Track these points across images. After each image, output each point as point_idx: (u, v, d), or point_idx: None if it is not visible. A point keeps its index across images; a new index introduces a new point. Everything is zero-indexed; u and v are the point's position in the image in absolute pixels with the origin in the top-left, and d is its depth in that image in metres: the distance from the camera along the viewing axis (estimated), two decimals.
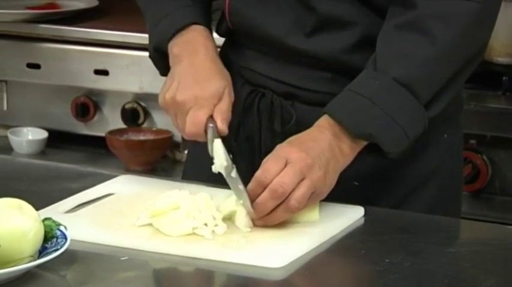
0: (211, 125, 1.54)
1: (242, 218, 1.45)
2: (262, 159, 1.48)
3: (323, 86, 1.63)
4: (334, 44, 1.61)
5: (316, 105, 1.59)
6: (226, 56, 1.74)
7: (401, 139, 1.51)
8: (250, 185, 1.46)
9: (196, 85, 1.58)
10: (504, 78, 2.31)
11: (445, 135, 1.68)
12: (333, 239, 1.44)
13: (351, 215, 1.52)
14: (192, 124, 1.55)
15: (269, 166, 1.45)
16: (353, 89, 1.52)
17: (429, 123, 1.53)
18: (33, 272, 1.30)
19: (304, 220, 1.47)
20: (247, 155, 1.67)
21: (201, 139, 1.55)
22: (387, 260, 1.36)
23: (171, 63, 1.65)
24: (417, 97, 1.51)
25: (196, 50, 1.63)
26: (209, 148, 1.52)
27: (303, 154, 1.45)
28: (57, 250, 1.31)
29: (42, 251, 1.32)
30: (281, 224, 1.46)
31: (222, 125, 1.55)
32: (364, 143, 1.53)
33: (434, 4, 1.52)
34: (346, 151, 1.51)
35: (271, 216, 1.45)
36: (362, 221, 1.51)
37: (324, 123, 1.52)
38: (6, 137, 2.62)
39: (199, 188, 1.54)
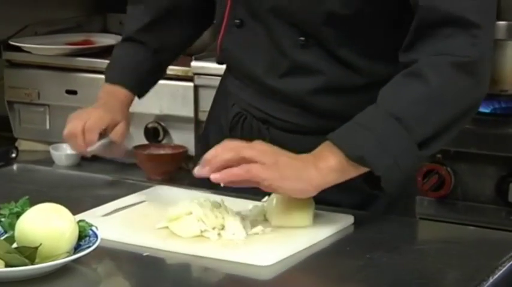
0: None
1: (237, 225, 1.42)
2: None
3: (292, 118, 1.62)
4: (301, 86, 1.59)
5: (287, 132, 1.61)
6: (223, 81, 1.77)
7: (392, 167, 1.39)
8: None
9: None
10: None
11: None
12: (321, 242, 1.40)
13: (341, 222, 1.48)
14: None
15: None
16: (353, 120, 1.44)
17: None
18: (69, 266, 1.29)
19: (297, 225, 1.44)
20: None
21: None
22: (368, 256, 1.34)
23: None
24: (409, 132, 1.40)
25: (105, 102, 1.78)
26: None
27: (266, 148, 1.43)
28: (89, 247, 1.30)
29: (77, 248, 1.31)
30: (276, 229, 1.44)
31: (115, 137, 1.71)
32: (356, 168, 1.41)
33: (431, 56, 1.45)
34: (321, 166, 1.41)
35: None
36: (352, 228, 1.48)
37: (320, 148, 1.44)
38: (48, 151, 2.62)
39: (213, 196, 1.52)
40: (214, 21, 1.71)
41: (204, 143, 1.77)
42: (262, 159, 1.39)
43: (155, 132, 2.65)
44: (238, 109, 1.69)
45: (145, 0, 1.81)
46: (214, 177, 1.39)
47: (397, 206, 1.64)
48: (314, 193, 1.42)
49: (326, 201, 1.49)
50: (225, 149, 1.42)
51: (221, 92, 1.79)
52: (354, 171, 1.41)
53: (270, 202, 1.47)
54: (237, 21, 1.63)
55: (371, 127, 1.40)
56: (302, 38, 1.58)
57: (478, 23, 1.43)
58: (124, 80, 1.79)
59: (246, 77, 1.66)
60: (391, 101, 1.43)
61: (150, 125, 2.66)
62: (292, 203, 1.45)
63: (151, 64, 1.81)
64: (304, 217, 1.45)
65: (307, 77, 1.59)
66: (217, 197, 1.50)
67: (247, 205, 1.50)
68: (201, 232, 1.41)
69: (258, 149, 1.42)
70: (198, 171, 1.43)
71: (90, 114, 1.72)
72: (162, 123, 2.65)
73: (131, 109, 2.61)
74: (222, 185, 1.40)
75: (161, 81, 2.47)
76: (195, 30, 1.88)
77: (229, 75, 1.73)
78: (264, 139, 1.55)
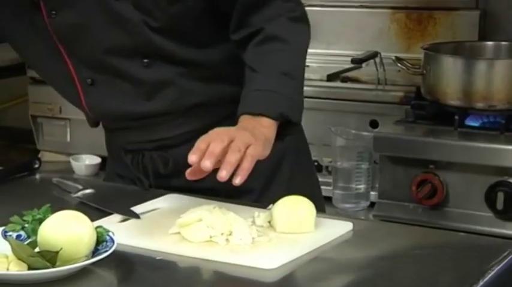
0: None
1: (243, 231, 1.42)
2: None
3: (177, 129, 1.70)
4: (166, 100, 1.67)
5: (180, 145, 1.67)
6: (108, 140, 1.82)
7: (297, 108, 1.58)
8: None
9: None
10: (456, 117, 2.29)
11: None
12: (323, 247, 1.40)
13: (341, 229, 1.47)
14: None
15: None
16: (254, 88, 1.57)
17: None
18: (87, 268, 1.28)
19: (301, 231, 1.43)
20: None
21: None
22: (366, 261, 1.34)
23: None
24: (295, 78, 1.59)
25: None
26: None
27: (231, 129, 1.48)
28: (106, 251, 1.30)
29: (94, 252, 1.31)
30: (280, 235, 1.43)
31: None
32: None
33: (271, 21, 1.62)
34: (265, 124, 1.52)
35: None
36: (351, 233, 1.47)
37: (245, 118, 1.53)
38: (69, 162, 2.62)
39: (221, 204, 1.51)
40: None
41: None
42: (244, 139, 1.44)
43: None
44: (132, 154, 1.74)
45: None
46: (222, 176, 1.39)
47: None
48: None
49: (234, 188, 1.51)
50: (214, 142, 1.41)
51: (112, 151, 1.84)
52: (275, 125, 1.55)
53: (275, 209, 1.46)
54: (89, 80, 1.68)
55: (271, 89, 1.55)
56: (145, 60, 1.64)
57: None
58: None
59: (119, 120, 1.71)
60: (270, 64, 1.59)
61: None
62: (296, 210, 1.45)
63: None
64: (307, 223, 1.44)
65: (165, 89, 1.65)
66: (226, 205, 1.50)
67: (253, 212, 1.49)
68: (210, 237, 1.40)
69: (231, 133, 1.44)
70: (204, 164, 1.40)
71: None
72: None
73: None
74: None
75: None
76: None
77: (111, 132, 1.78)
78: (168, 161, 1.67)
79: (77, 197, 1.65)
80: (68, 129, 2.76)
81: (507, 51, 2.55)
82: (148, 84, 1.65)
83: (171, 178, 1.72)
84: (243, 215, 1.45)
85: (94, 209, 1.55)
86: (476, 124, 2.32)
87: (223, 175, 1.38)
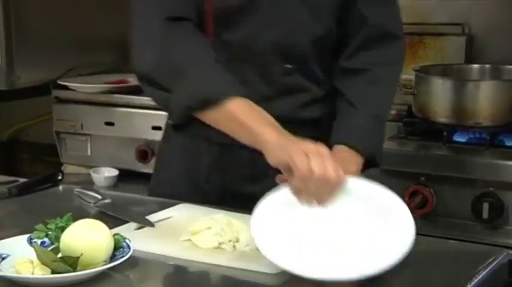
0: None
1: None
2: None
3: None
4: (289, 105, 1.62)
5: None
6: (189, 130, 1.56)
7: (382, 153, 1.62)
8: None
9: None
10: (444, 133, 2.29)
11: None
12: None
13: None
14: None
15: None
16: (351, 123, 1.57)
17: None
18: (106, 273, 1.28)
19: None
20: None
21: None
22: None
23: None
24: (383, 122, 1.64)
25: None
26: None
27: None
28: (123, 256, 1.30)
29: (112, 258, 1.30)
30: None
31: None
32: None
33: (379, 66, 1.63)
34: (354, 161, 1.54)
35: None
36: None
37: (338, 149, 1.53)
38: (89, 174, 2.62)
39: (228, 213, 1.50)
40: None
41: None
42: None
43: None
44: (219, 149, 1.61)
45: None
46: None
47: None
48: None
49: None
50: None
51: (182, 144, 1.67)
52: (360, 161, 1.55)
53: None
54: (222, 57, 1.52)
55: (367, 129, 1.57)
56: (288, 66, 1.58)
57: (401, 35, 1.67)
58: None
59: None
60: (370, 105, 1.60)
61: None
62: None
63: None
64: None
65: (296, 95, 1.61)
66: (234, 215, 1.49)
67: None
68: (219, 244, 1.40)
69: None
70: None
71: None
72: None
73: (158, 138, 2.60)
74: None
75: None
76: None
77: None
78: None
79: (96, 206, 1.65)
80: (89, 144, 2.76)
81: (491, 73, 2.55)
82: (282, 87, 1.59)
83: (248, 182, 1.61)
84: (249, 224, 1.44)
85: (112, 217, 1.55)
86: (463, 140, 2.32)
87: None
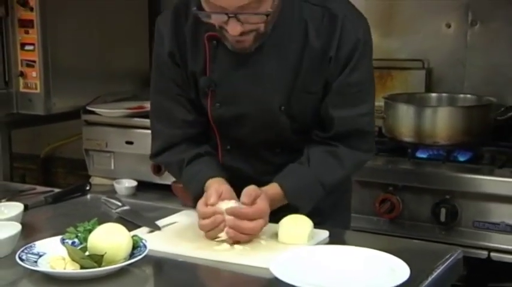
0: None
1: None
2: None
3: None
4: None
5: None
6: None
7: (308, 207, 1.52)
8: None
9: None
10: (409, 150, 2.29)
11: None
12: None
13: (320, 236, 1.45)
14: None
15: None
16: (298, 173, 1.51)
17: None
18: (125, 268, 1.27)
19: (298, 242, 1.40)
20: None
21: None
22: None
23: None
24: (326, 190, 1.53)
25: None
26: None
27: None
28: (140, 254, 1.29)
29: (131, 256, 1.30)
30: (278, 242, 1.41)
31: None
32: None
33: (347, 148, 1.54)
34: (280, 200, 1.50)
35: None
36: (327, 240, 1.45)
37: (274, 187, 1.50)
38: (113, 185, 2.60)
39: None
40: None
41: None
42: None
43: None
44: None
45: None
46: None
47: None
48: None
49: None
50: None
51: None
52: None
53: (280, 224, 1.43)
54: (228, 147, 1.60)
55: (306, 191, 1.50)
56: (278, 150, 1.58)
57: (371, 131, 1.57)
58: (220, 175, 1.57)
59: (242, 177, 1.56)
60: (320, 172, 1.51)
61: None
62: (295, 224, 1.42)
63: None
64: (302, 236, 1.41)
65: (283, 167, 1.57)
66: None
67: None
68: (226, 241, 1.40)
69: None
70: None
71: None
72: None
73: None
74: None
75: None
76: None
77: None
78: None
79: (117, 212, 1.64)
80: (112, 160, 2.75)
81: (447, 100, 2.56)
82: (275, 164, 1.57)
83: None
84: None
85: (130, 222, 1.54)
86: (424, 156, 2.31)
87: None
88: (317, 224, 1.46)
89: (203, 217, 1.42)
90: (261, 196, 1.42)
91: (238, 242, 1.39)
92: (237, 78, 1.51)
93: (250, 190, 1.42)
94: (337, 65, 1.47)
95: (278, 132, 1.55)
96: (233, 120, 1.55)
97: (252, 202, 1.41)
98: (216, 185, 1.48)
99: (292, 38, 1.47)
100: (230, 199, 1.44)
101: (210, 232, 1.41)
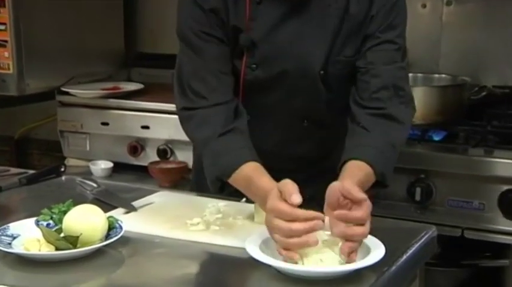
0: None
1: None
2: None
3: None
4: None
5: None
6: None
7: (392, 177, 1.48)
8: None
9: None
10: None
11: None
12: None
13: None
14: None
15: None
16: (365, 143, 1.43)
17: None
18: (101, 249, 1.27)
19: None
20: None
21: None
22: None
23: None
24: (397, 151, 1.49)
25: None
26: None
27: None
28: (116, 235, 1.29)
29: (107, 237, 1.29)
30: (255, 223, 1.41)
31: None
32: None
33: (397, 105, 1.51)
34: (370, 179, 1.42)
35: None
36: None
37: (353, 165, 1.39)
38: (88, 166, 2.59)
39: (209, 200, 1.51)
40: None
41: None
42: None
43: (165, 152, 2.62)
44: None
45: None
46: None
47: None
48: None
49: None
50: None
51: None
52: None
53: (256, 204, 1.42)
54: (248, 116, 1.49)
55: (383, 151, 1.43)
56: (305, 123, 1.55)
57: (409, 88, 1.57)
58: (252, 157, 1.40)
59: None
60: (386, 134, 1.45)
61: (161, 147, 2.63)
62: None
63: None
64: None
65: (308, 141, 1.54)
66: (218, 202, 1.49)
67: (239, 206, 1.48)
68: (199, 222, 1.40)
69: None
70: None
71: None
72: (170, 146, 2.63)
73: (146, 135, 2.62)
74: None
75: (169, 115, 2.48)
76: None
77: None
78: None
79: (93, 194, 1.63)
80: (88, 141, 2.73)
81: (422, 80, 2.57)
82: (295, 139, 1.54)
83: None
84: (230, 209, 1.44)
85: (106, 203, 1.53)
86: None
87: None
88: None
89: (290, 218, 1.17)
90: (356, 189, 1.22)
91: (351, 256, 1.18)
92: (278, 38, 1.46)
93: (351, 187, 1.21)
94: (377, 22, 1.49)
95: (313, 98, 1.51)
96: (268, 83, 1.49)
97: (361, 203, 1.21)
98: (288, 181, 1.22)
99: (333, 2, 1.48)
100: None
101: (296, 240, 1.15)
